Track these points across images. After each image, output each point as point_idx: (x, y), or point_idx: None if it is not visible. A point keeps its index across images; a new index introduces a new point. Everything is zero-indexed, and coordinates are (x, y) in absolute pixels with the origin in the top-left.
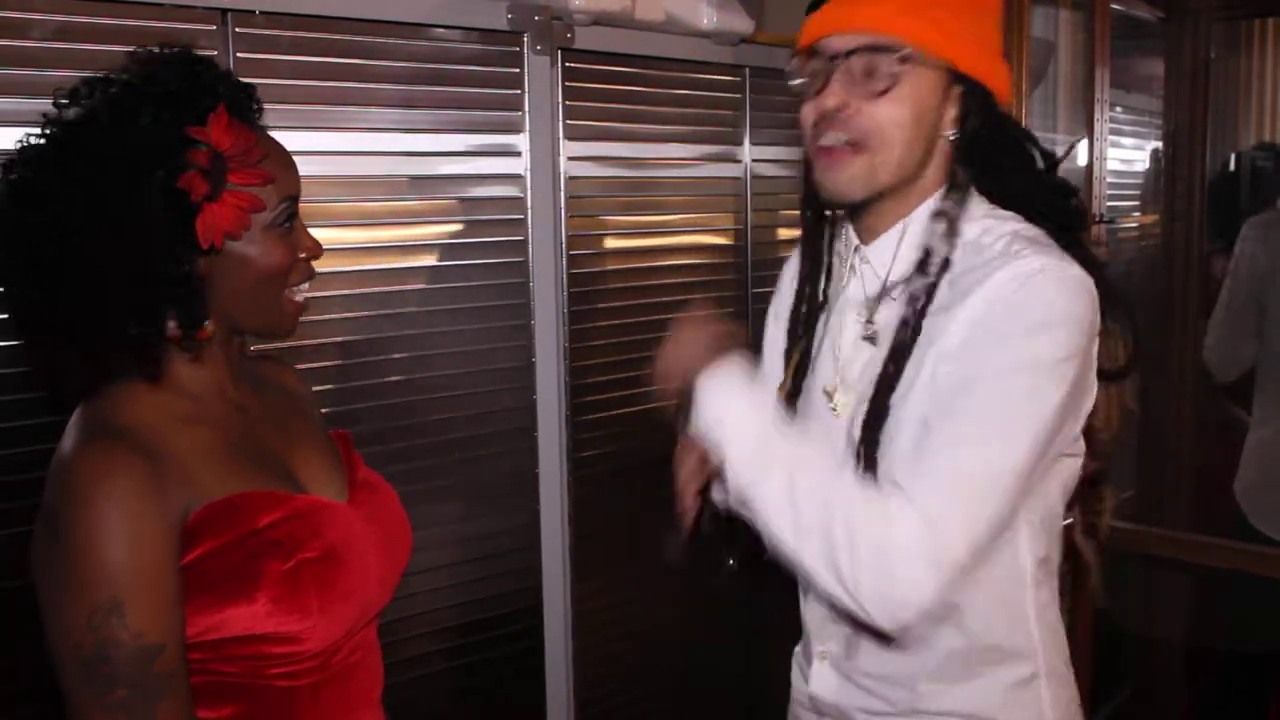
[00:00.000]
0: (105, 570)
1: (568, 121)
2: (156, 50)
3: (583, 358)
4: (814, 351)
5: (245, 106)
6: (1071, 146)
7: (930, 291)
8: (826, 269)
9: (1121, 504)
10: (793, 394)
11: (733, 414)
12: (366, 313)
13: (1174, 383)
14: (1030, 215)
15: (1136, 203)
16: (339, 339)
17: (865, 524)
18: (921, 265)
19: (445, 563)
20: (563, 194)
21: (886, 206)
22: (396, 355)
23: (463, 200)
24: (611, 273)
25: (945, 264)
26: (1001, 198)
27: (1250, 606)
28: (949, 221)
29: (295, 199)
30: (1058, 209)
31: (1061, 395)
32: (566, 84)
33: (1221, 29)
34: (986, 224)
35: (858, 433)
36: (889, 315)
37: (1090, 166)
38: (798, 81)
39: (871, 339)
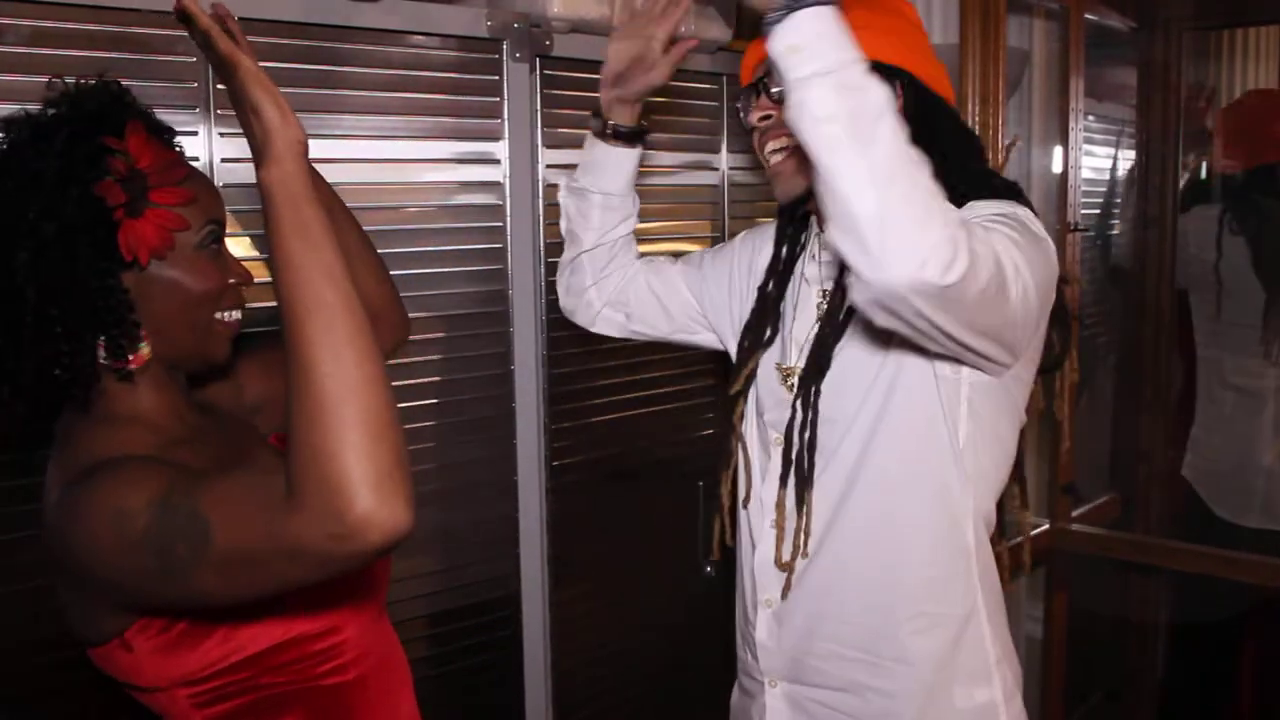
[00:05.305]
0: (140, 488)
1: (546, 129)
2: (74, 80)
3: (561, 365)
4: (771, 333)
5: (162, 131)
6: (1011, 145)
7: None
8: (788, 261)
9: (1097, 509)
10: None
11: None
12: None
13: (1148, 388)
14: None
15: (1106, 209)
16: None
17: (927, 189)
18: None
19: (424, 571)
20: (541, 202)
21: None
22: None
23: (441, 208)
24: None
25: None
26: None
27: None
28: None
29: (220, 224)
30: (1001, 197)
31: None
32: (545, 91)
33: (1191, 39)
34: None
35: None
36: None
37: (1065, 175)
38: (751, 118)
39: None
